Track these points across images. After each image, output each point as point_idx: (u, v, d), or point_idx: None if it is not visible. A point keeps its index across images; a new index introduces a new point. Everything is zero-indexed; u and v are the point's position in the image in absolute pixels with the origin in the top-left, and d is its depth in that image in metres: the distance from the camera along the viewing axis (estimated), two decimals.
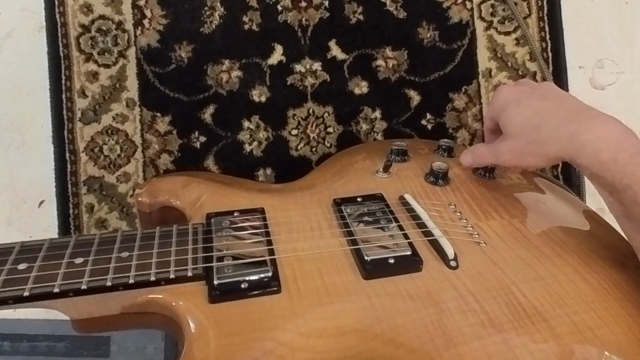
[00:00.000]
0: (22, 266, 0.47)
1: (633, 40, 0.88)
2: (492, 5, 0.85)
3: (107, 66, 0.81)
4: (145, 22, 0.81)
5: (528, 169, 0.70)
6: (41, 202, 0.82)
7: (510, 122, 0.59)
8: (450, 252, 0.53)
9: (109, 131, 0.81)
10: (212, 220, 0.56)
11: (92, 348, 0.84)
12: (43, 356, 0.83)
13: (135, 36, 0.81)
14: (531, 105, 0.58)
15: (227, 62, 0.82)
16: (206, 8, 0.81)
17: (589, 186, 0.85)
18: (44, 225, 0.81)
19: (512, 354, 0.45)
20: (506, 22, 0.85)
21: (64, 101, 0.80)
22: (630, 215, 0.50)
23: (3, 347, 0.83)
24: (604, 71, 0.88)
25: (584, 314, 0.48)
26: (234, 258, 0.51)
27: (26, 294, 0.45)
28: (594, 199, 0.86)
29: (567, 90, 0.86)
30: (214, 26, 0.82)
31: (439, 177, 0.65)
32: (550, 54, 0.85)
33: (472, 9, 0.85)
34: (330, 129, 0.84)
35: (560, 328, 0.47)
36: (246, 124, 0.83)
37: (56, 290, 0.45)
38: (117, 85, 0.81)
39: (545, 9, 0.85)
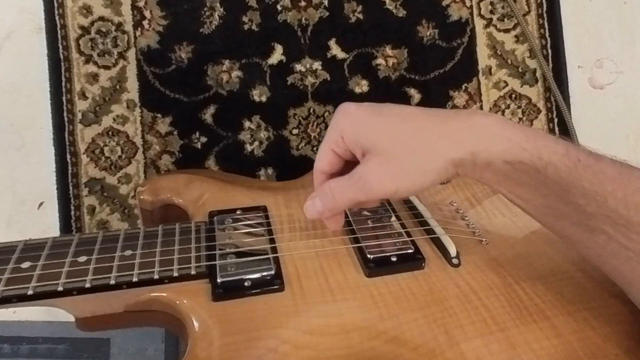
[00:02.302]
0: (25, 265, 0.47)
1: (632, 40, 0.88)
2: (492, 3, 0.85)
3: (107, 67, 0.81)
4: (145, 23, 0.81)
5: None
6: (40, 204, 0.81)
7: (376, 136, 0.45)
8: (452, 250, 0.53)
9: (110, 133, 0.81)
10: (215, 218, 0.56)
11: (93, 350, 0.84)
12: (43, 359, 0.83)
13: (135, 37, 0.81)
14: (396, 112, 0.46)
15: (227, 62, 0.82)
16: (206, 8, 0.81)
17: None
18: (44, 227, 0.81)
19: (514, 352, 0.45)
20: (505, 19, 0.85)
21: (64, 103, 0.80)
22: (557, 209, 0.43)
23: (3, 349, 0.83)
24: (603, 71, 0.88)
25: (585, 312, 0.48)
26: (237, 256, 0.51)
27: (30, 292, 0.45)
28: None
29: (567, 89, 0.86)
30: (213, 26, 0.82)
31: None
32: (550, 51, 0.86)
33: (471, 7, 0.85)
34: None
35: (562, 326, 0.47)
36: (247, 124, 0.83)
37: (60, 288, 0.45)
38: (118, 87, 0.81)
39: (545, 6, 0.85)
